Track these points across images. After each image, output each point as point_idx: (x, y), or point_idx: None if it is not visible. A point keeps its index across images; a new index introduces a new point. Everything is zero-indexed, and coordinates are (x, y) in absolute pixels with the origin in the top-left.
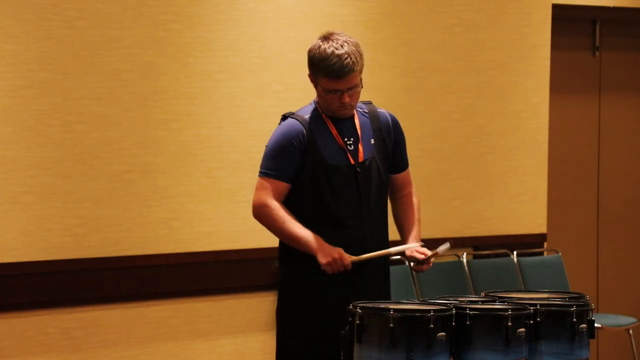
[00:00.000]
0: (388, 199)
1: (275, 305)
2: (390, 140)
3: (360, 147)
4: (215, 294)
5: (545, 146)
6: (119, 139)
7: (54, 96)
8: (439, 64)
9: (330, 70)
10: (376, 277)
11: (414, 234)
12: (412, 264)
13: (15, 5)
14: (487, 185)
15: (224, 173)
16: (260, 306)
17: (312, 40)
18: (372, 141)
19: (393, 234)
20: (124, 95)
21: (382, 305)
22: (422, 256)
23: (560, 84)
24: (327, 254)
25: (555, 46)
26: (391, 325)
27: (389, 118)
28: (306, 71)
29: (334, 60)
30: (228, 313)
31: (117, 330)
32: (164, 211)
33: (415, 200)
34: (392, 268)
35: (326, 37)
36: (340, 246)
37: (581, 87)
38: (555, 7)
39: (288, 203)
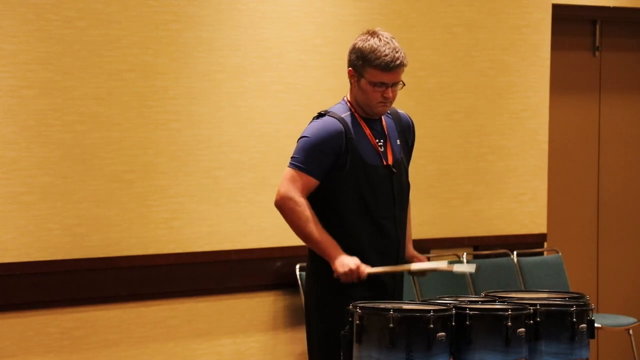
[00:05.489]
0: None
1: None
2: (411, 142)
3: (389, 148)
4: (215, 294)
5: (545, 146)
6: (119, 139)
7: (54, 96)
8: (439, 64)
9: (382, 61)
10: (400, 281)
11: (411, 243)
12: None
13: (15, 5)
14: (487, 185)
15: (224, 173)
16: (260, 306)
17: (312, 40)
18: (398, 142)
19: None
20: (124, 95)
21: (382, 305)
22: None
23: (560, 84)
24: (345, 264)
25: (555, 46)
26: (391, 325)
27: (409, 120)
28: (307, 72)
29: (387, 51)
30: (228, 313)
31: (117, 330)
32: (164, 211)
33: (410, 204)
34: None
35: (372, 33)
36: (380, 247)
37: (581, 87)
38: (555, 7)
39: (324, 202)
